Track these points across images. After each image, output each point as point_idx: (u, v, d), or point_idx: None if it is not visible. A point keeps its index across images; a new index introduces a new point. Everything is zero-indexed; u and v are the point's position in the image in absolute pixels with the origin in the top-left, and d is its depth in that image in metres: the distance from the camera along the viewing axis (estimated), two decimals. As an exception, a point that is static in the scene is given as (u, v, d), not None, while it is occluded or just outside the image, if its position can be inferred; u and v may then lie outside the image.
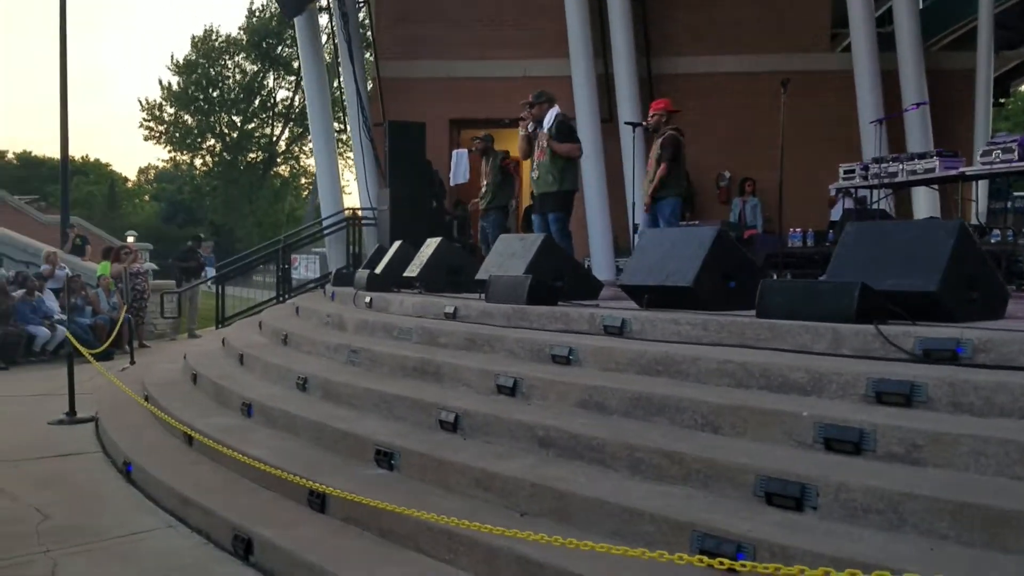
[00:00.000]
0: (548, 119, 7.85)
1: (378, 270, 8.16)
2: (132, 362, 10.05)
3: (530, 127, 7.97)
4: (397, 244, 8.54)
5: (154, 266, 16.42)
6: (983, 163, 7.40)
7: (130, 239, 15.99)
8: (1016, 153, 7.12)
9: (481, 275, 6.36)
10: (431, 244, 7.62)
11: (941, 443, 2.82)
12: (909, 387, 3.14)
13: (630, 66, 11.90)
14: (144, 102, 39.45)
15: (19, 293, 11.00)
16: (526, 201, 14.44)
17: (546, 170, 7.78)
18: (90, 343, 10.01)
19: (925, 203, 10.47)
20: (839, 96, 11.78)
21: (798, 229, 8.93)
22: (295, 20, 13.54)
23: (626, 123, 9.81)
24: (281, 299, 12.56)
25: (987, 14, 12.98)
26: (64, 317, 10.46)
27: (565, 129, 7.85)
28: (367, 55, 14.91)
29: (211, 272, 14.49)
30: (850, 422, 3.02)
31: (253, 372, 6.45)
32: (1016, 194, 11.91)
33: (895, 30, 11.26)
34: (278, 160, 42.42)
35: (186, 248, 14.59)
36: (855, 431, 2.98)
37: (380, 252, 9.43)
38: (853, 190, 9.16)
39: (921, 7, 14.02)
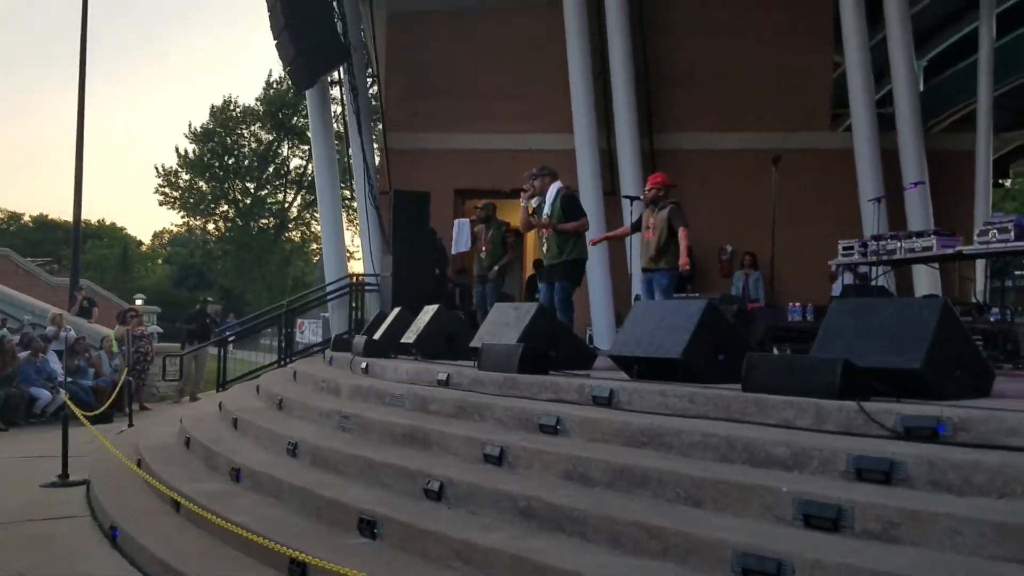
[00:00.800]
0: (550, 193, 7.96)
1: (376, 336, 8.21)
2: (130, 424, 10.03)
3: (534, 201, 8.07)
4: (396, 311, 8.60)
5: (159, 329, 16.52)
6: (980, 242, 7.46)
7: (138, 302, 16.16)
8: (1012, 233, 7.17)
9: (475, 343, 6.39)
10: (428, 311, 7.68)
11: (918, 521, 2.80)
12: (888, 464, 3.13)
13: (633, 141, 12.12)
14: (160, 168, 40.23)
15: (24, 354, 11.08)
16: (528, 269, 14.58)
17: (553, 242, 7.86)
18: (91, 405, 10.04)
19: (926, 281, 10.51)
20: (840, 174, 11.93)
21: (797, 304, 8.95)
22: (307, 92, 13.86)
23: (624, 196, 9.94)
24: (283, 363, 12.58)
25: (986, 97, 13.23)
26: (65, 379, 10.51)
27: (570, 205, 7.94)
28: (376, 126, 15.23)
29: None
30: (829, 499, 3.00)
31: (246, 437, 6.45)
32: (1016, 273, 11.95)
33: (895, 111, 11.46)
34: (289, 226, 43.01)
35: (194, 311, 14.69)
36: (833, 507, 2.96)
37: (380, 318, 9.49)
38: (854, 266, 9.21)
39: (921, 89, 14.31)
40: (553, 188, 7.96)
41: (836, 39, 12.57)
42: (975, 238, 7.53)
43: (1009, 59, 14.06)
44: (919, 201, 10.88)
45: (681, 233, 7.64)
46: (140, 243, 58.64)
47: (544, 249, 8.01)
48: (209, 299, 17.54)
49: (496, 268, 9.65)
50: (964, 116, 15.18)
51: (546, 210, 7.93)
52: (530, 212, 8.16)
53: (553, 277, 7.95)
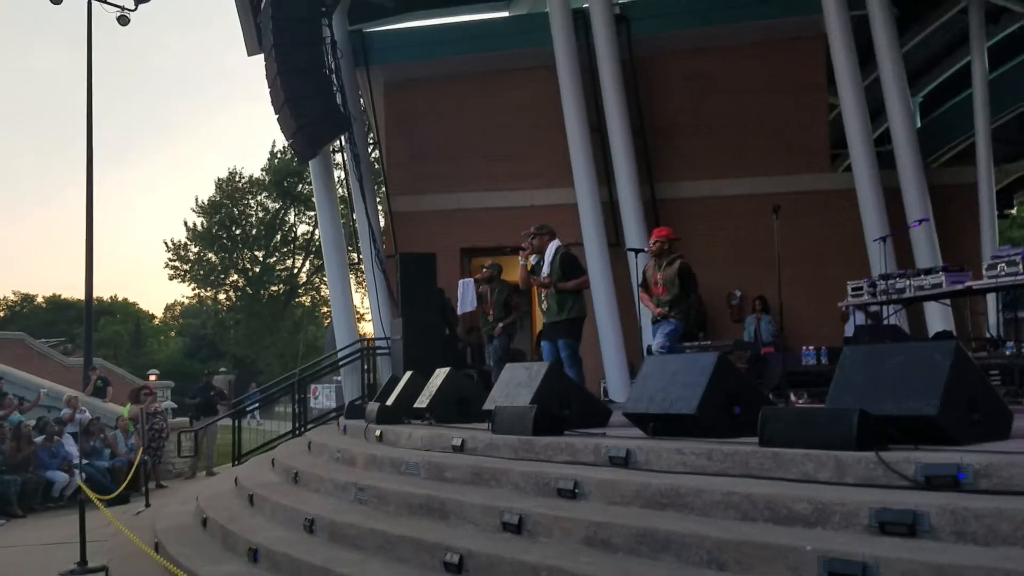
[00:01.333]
0: (549, 252, 8.00)
1: (389, 402, 8.18)
2: (147, 504, 9.97)
3: (532, 259, 8.11)
4: (408, 375, 8.58)
5: (173, 404, 16.51)
6: (989, 276, 7.44)
7: (151, 377, 16.17)
8: (1021, 265, 7.16)
9: (488, 405, 6.35)
10: (440, 374, 7.66)
11: (945, 575, 2.75)
12: (912, 516, 3.07)
13: (634, 192, 12.22)
14: (170, 243, 40.65)
15: (40, 439, 11.07)
16: (539, 325, 14.58)
17: (553, 301, 7.89)
18: (107, 487, 10.00)
19: (938, 317, 10.47)
20: (844, 214, 11.98)
21: (811, 347, 8.90)
22: (310, 162, 14.06)
23: (628, 249, 9.97)
24: (298, 432, 12.56)
25: (984, 129, 13.33)
26: (80, 462, 10.49)
27: (569, 263, 7.95)
28: (379, 189, 15.40)
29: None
30: (853, 556, 2.95)
31: (262, 513, 6.40)
32: (1029, 304, 11.88)
33: (894, 149, 11.53)
34: (299, 291, 43.22)
35: (199, 385, 14.71)
36: (859, 564, 2.90)
37: (392, 383, 9.46)
38: (865, 306, 9.18)
39: (918, 126, 14.43)
40: (552, 247, 8.01)
41: (830, 80, 12.72)
42: (984, 272, 7.52)
43: (1004, 91, 14.21)
44: (925, 237, 10.89)
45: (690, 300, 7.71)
46: (152, 317, 58.97)
47: (544, 308, 8.02)
48: (211, 371, 17.64)
49: (500, 325, 9.66)
50: (963, 150, 15.28)
51: (545, 269, 7.95)
52: (528, 270, 8.20)
53: (555, 336, 7.94)
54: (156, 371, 17.88)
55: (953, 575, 2.72)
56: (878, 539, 3.11)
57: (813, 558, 3.06)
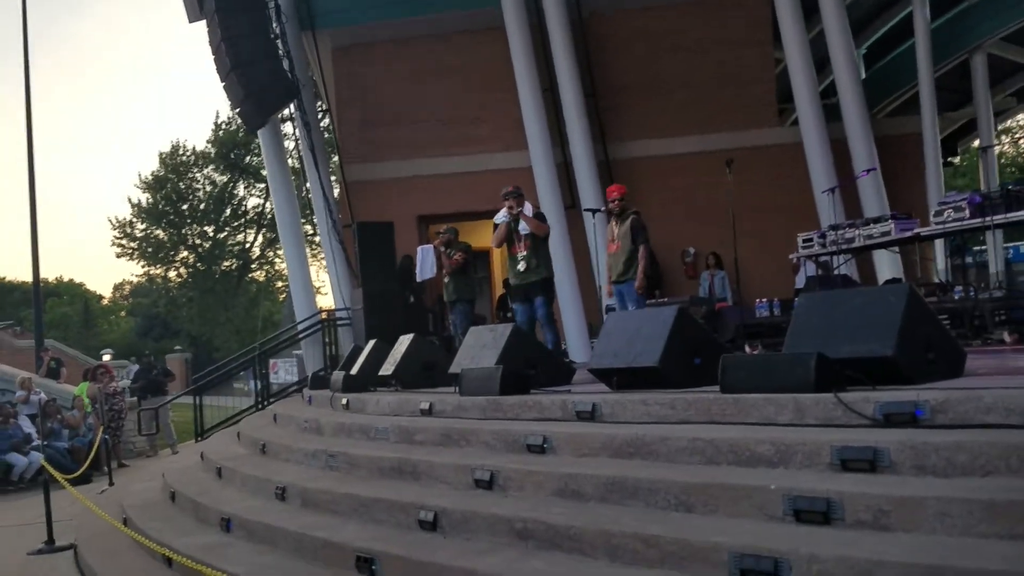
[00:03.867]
0: (527, 211, 8.13)
1: (354, 371, 8.18)
2: (111, 483, 9.89)
3: (520, 213, 8.12)
4: (372, 343, 8.58)
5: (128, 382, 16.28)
6: (936, 223, 7.65)
7: (106, 357, 15.91)
8: (967, 211, 7.36)
9: (454, 369, 6.40)
10: (404, 341, 7.68)
11: (907, 507, 2.87)
12: (872, 452, 3.19)
13: (587, 153, 12.24)
14: (114, 221, 39.72)
15: (-7, 422, 10.89)
16: (499, 289, 14.62)
17: (532, 259, 8.00)
18: (68, 467, 9.87)
19: (887, 265, 10.71)
20: (792, 168, 12.12)
21: (764, 300, 9.08)
22: (259, 132, 13.83)
23: (585, 210, 10.05)
24: (260, 406, 12.50)
25: (927, 79, 13.55)
26: (41, 443, 10.34)
27: (538, 215, 8.26)
28: (332, 158, 15.22)
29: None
30: (817, 492, 3.06)
31: (232, 485, 6.40)
32: (975, 249, 12.23)
33: (840, 101, 11.68)
34: (253, 266, 42.64)
35: (139, 368, 14.58)
36: (822, 501, 3.02)
37: (356, 352, 9.46)
38: (815, 257, 9.38)
39: (863, 77, 14.62)
40: (528, 208, 8.17)
41: (775, 35, 12.82)
42: (931, 219, 7.72)
43: (945, 40, 14.45)
44: (872, 187, 11.09)
45: (641, 251, 7.79)
46: (101, 297, 57.88)
47: (521, 268, 8.06)
48: (151, 352, 17.49)
49: (454, 280, 9.70)
50: (908, 100, 15.55)
51: (522, 227, 8.05)
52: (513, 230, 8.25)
53: (531, 294, 8.05)
54: (111, 351, 17.57)
55: (914, 506, 2.84)
56: (840, 475, 3.23)
57: (778, 496, 3.17)
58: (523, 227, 8.03)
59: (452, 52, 13.94)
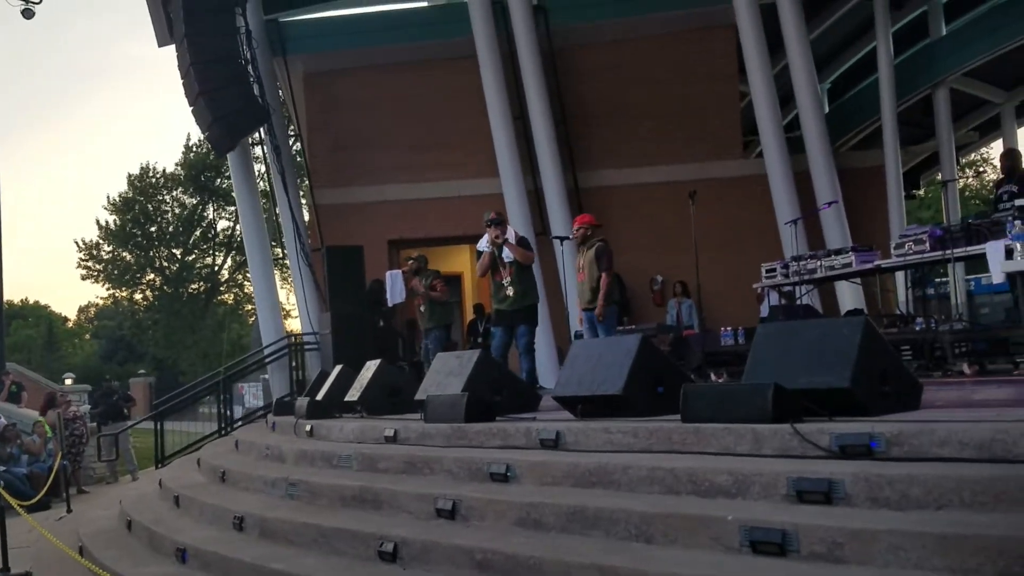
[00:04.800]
0: (511, 237, 8.09)
1: (319, 396, 8.12)
2: (69, 510, 9.69)
3: (505, 241, 8.07)
4: (338, 369, 8.53)
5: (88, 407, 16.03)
6: (897, 255, 7.77)
7: (67, 381, 15.67)
8: (927, 244, 7.49)
9: (420, 395, 6.38)
10: (370, 367, 7.64)
11: (861, 539, 2.89)
12: (827, 484, 3.22)
13: (557, 181, 12.35)
14: (81, 243, 39.26)
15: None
16: (468, 314, 14.62)
17: (516, 286, 7.94)
18: (27, 493, 9.67)
19: (849, 296, 10.86)
20: (757, 199, 12.30)
21: (729, 328, 9.16)
22: (229, 155, 13.79)
23: (554, 237, 10.10)
24: (223, 432, 12.34)
25: (890, 113, 13.83)
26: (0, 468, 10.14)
27: (522, 241, 8.19)
28: (302, 182, 15.20)
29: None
30: (773, 524, 3.08)
31: (189, 514, 6.30)
32: (936, 281, 12.42)
33: (803, 134, 11.89)
34: (221, 289, 42.27)
35: (98, 392, 14.37)
36: (778, 532, 3.04)
37: (322, 377, 9.38)
38: (779, 287, 9.49)
39: (826, 111, 14.90)
40: (511, 233, 8.11)
41: (741, 69, 13.04)
42: (892, 251, 7.84)
43: (909, 75, 14.75)
44: (835, 219, 11.28)
45: (602, 280, 7.80)
46: (65, 319, 57.04)
47: (508, 294, 7.99)
48: (111, 377, 17.25)
49: (431, 307, 9.67)
50: (871, 133, 15.84)
51: (506, 254, 8.00)
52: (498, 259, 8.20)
53: (516, 322, 7.98)
54: (72, 375, 17.32)
55: (870, 538, 2.87)
56: (796, 507, 3.25)
57: (735, 527, 3.19)
58: (507, 254, 8.00)
59: (424, 79, 14.02)
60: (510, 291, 7.98)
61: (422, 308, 9.84)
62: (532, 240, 12.00)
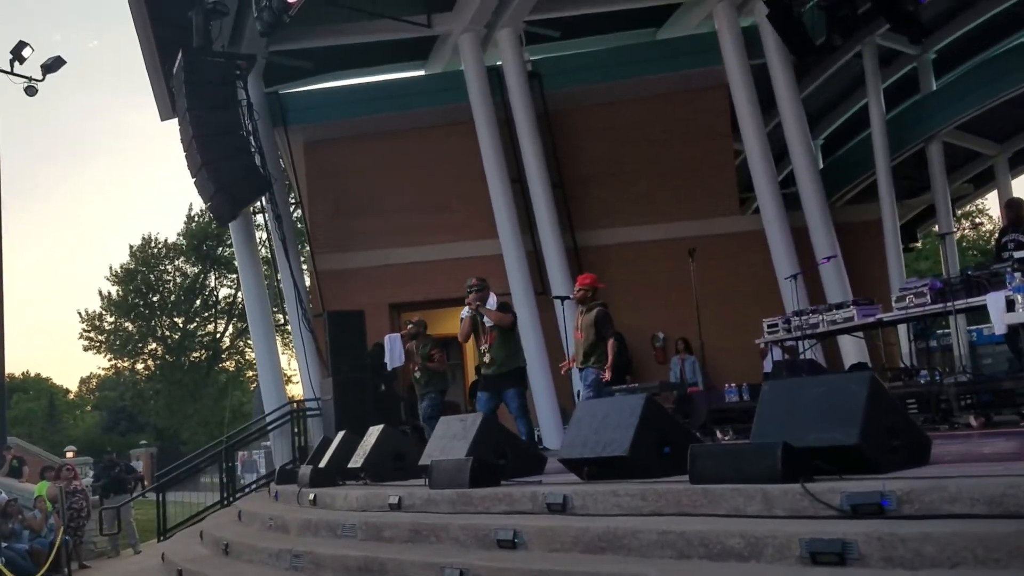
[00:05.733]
0: (491, 303, 8.12)
1: (322, 464, 8.06)
2: (69, 586, 9.56)
3: (481, 310, 8.12)
4: (341, 435, 8.47)
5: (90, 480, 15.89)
6: (898, 308, 7.79)
7: (68, 454, 15.55)
8: (928, 296, 7.51)
9: (424, 460, 6.32)
10: (373, 432, 7.59)
11: (876, 600, 2.85)
12: (841, 545, 3.17)
13: (556, 241, 12.46)
14: (84, 314, 39.33)
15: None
16: (471, 376, 14.57)
17: (498, 351, 7.97)
18: (28, 569, 9.54)
19: (852, 349, 10.85)
20: (755, 254, 12.37)
21: (733, 385, 9.14)
22: (231, 224, 13.90)
23: (554, 297, 10.14)
24: (226, 502, 12.19)
25: (884, 168, 13.98)
26: (2, 545, 9.99)
27: (501, 306, 8.21)
28: (303, 248, 15.30)
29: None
30: (787, 587, 3.04)
31: (194, 588, 6.21)
32: (939, 332, 12.42)
33: (799, 190, 12.01)
34: (223, 356, 42.17)
35: (101, 465, 14.23)
36: (793, 596, 3.00)
37: (325, 444, 9.32)
38: (782, 342, 9.49)
39: (821, 166, 15.07)
40: (492, 300, 8.14)
41: (735, 127, 13.22)
42: (893, 304, 7.86)
43: (901, 130, 14.94)
44: (834, 273, 11.32)
45: (609, 344, 7.81)
46: (67, 391, 56.77)
47: (487, 360, 8.05)
48: (113, 449, 17.10)
49: (427, 373, 9.70)
50: (866, 188, 15.99)
51: (487, 319, 8.05)
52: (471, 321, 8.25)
53: (503, 386, 7.99)
54: (73, 447, 17.20)
55: (883, 599, 2.82)
56: (810, 569, 3.20)
57: (750, 592, 3.14)
58: (488, 320, 8.05)
59: (422, 145, 14.22)
60: (490, 357, 8.02)
61: (416, 374, 9.87)
62: (530, 300, 12.08)
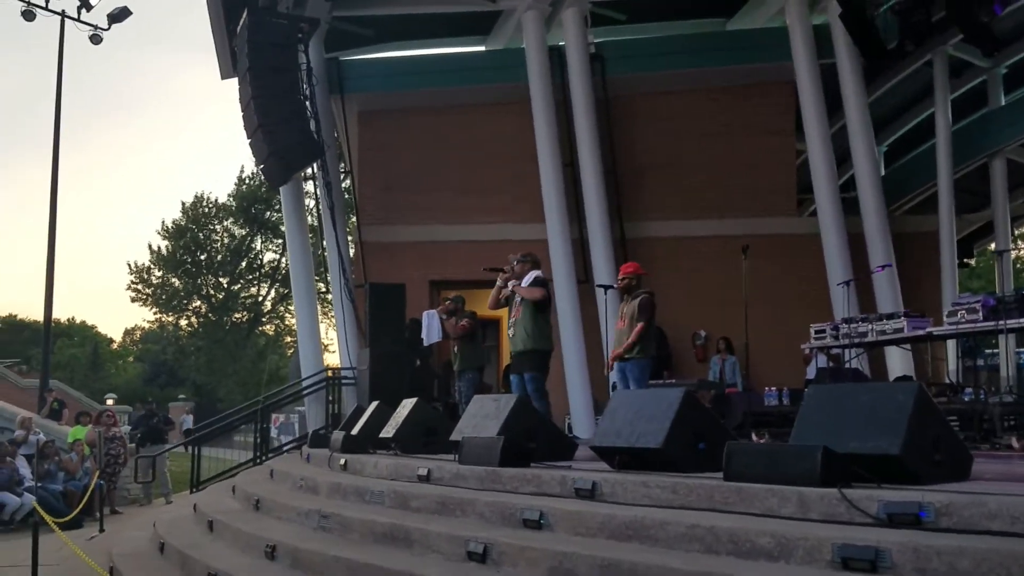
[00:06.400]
0: (528, 279, 8.04)
1: (354, 431, 8.12)
2: (102, 529, 9.74)
3: (511, 284, 8.08)
4: (374, 405, 8.54)
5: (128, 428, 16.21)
6: (949, 323, 7.63)
7: (109, 401, 15.89)
8: (980, 313, 7.35)
9: (455, 436, 6.34)
10: (407, 405, 7.62)
11: (907, 612, 2.79)
12: (874, 553, 3.11)
13: (604, 230, 12.35)
14: (133, 265, 40.13)
15: (-8, 460, 10.82)
16: (506, 359, 14.58)
17: (521, 328, 7.90)
18: (61, 510, 9.76)
19: (898, 362, 10.65)
20: (808, 258, 12.17)
21: (773, 388, 9.01)
22: (281, 188, 14.03)
23: (598, 285, 10.07)
24: (259, 461, 12.38)
25: (946, 180, 13.66)
26: (35, 484, 10.25)
27: (535, 281, 8.02)
28: (350, 219, 15.39)
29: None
30: (816, 590, 2.98)
31: (222, 539, 6.30)
32: (987, 351, 12.14)
33: (859, 196, 11.78)
34: (263, 320, 42.78)
35: (139, 415, 14.49)
36: (821, 600, 2.94)
37: (358, 412, 9.40)
38: (827, 349, 9.33)
39: (883, 174, 14.77)
40: (530, 276, 8.05)
41: (798, 126, 12.99)
42: (944, 319, 7.70)
43: (966, 143, 14.60)
44: (887, 283, 11.10)
45: (638, 327, 7.68)
46: (111, 341, 58.05)
47: (511, 335, 8.04)
48: (152, 400, 17.40)
49: (463, 349, 9.64)
50: (926, 199, 15.65)
51: (516, 299, 7.99)
52: (501, 296, 8.22)
53: (521, 368, 7.97)
54: (114, 395, 17.57)
55: (914, 610, 2.76)
56: (840, 574, 3.15)
57: (777, 592, 3.09)
58: (517, 298, 8.01)
59: (475, 123, 14.18)
60: (513, 332, 7.96)
61: (455, 350, 9.86)
62: (571, 288, 11.99)
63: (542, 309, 7.93)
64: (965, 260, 18.13)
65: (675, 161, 13.72)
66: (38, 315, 41.28)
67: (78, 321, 56.21)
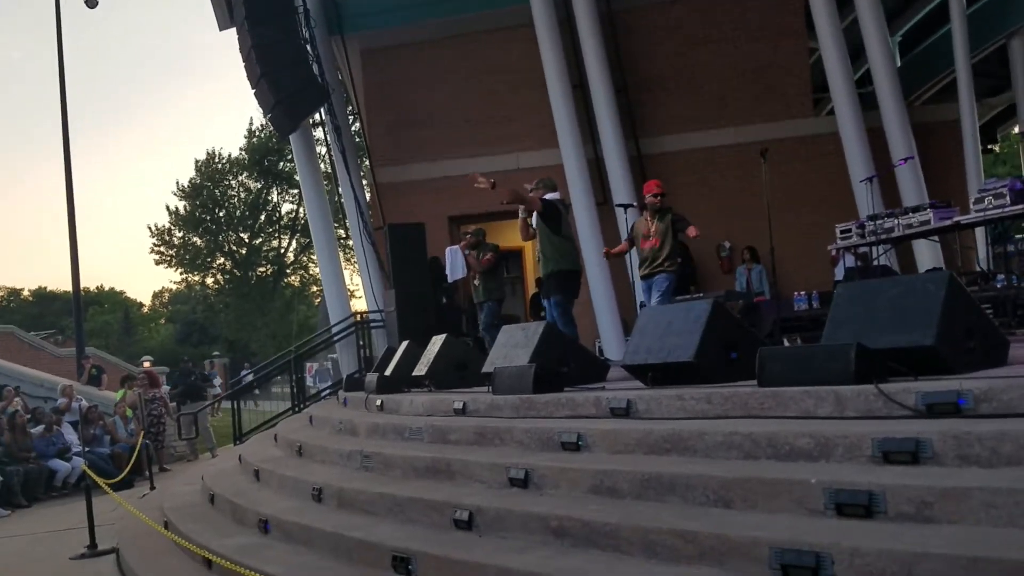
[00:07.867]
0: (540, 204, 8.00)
1: (388, 372, 8.20)
2: (152, 487, 9.99)
3: (520, 211, 8.07)
4: (404, 345, 8.59)
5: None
6: (976, 210, 7.49)
7: (146, 364, 16.15)
8: (1008, 198, 7.21)
9: (487, 368, 6.38)
10: (436, 341, 7.67)
11: (951, 498, 2.79)
12: (914, 444, 3.11)
13: (619, 149, 12.17)
14: (153, 228, 40.37)
15: (38, 429, 11.07)
16: (531, 288, 14.59)
17: (541, 252, 7.92)
18: (110, 472, 10.02)
19: (927, 255, 10.52)
20: (828, 158, 11.97)
21: (802, 292, 8.95)
22: (291, 137, 13.93)
23: (617, 205, 9.97)
24: (297, 409, 12.59)
25: (964, 65, 13.26)
26: (82, 449, 10.50)
27: (550, 210, 7.97)
28: (364, 162, 15.29)
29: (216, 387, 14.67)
30: (859, 485, 2.99)
31: (269, 487, 6.43)
32: (1017, 236, 11.94)
33: (876, 89, 11.49)
34: (287, 271, 43.05)
35: (176, 373, 14.74)
36: (864, 494, 2.95)
37: (389, 354, 9.48)
38: (854, 248, 9.22)
39: (899, 64, 14.37)
40: (549, 198, 8.02)
41: (809, 25, 12.64)
42: (971, 206, 7.57)
43: (982, 25, 14.12)
44: (911, 176, 10.90)
45: (692, 229, 7.67)
46: (141, 305, 58.84)
47: (538, 259, 8.06)
48: (189, 358, 17.65)
49: (484, 280, 9.66)
50: (945, 86, 15.25)
51: (534, 220, 7.97)
52: (527, 222, 8.21)
53: (548, 292, 7.99)
54: (150, 357, 17.86)
55: (960, 496, 2.76)
56: (882, 468, 3.15)
57: (818, 490, 3.10)
58: (534, 218, 7.98)
59: (480, 52, 13.92)
60: (541, 252, 7.95)
61: (476, 282, 9.87)
62: (591, 210, 11.87)
63: (555, 230, 7.90)
64: (989, 146, 17.74)
65: (686, 72, 13.42)
66: (67, 285, 41.83)
67: (107, 288, 56.95)
